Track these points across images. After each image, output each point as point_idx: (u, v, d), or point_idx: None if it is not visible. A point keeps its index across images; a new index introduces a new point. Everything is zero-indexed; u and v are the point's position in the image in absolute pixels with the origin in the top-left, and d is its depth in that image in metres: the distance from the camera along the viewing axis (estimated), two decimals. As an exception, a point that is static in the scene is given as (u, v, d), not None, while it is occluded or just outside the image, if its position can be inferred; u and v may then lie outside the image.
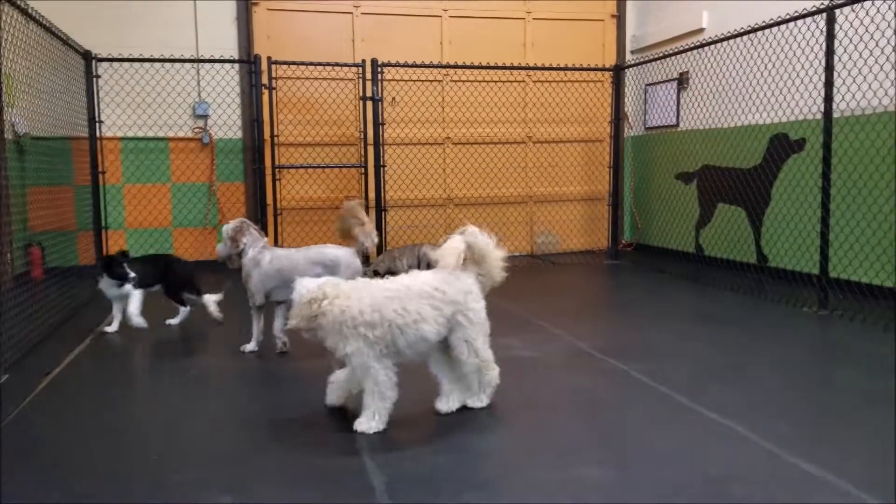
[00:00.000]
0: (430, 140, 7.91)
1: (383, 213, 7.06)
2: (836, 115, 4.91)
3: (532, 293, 5.91)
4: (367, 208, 4.54)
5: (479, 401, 3.11)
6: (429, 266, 6.72)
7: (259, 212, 6.84)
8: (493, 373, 3.09)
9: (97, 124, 6.55)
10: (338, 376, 3.11)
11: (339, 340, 2.83)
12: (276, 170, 6.93)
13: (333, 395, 3.11)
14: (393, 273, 6.76)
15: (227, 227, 4.07)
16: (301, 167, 7.34)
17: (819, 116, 5.06)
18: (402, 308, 2.82)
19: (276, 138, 6.99)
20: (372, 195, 7.09)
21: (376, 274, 6.56)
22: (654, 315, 4.96)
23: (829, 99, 4.82)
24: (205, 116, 7.22)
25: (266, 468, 2.54)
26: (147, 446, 2.77)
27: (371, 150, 7.07)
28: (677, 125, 7.54)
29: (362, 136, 7.25)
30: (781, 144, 6.04)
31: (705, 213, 7.13)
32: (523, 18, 8.04)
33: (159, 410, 3.21)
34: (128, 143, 7.07)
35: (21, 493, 2.37)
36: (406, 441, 2.78)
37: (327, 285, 2.92)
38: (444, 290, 2.90)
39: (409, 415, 3.04)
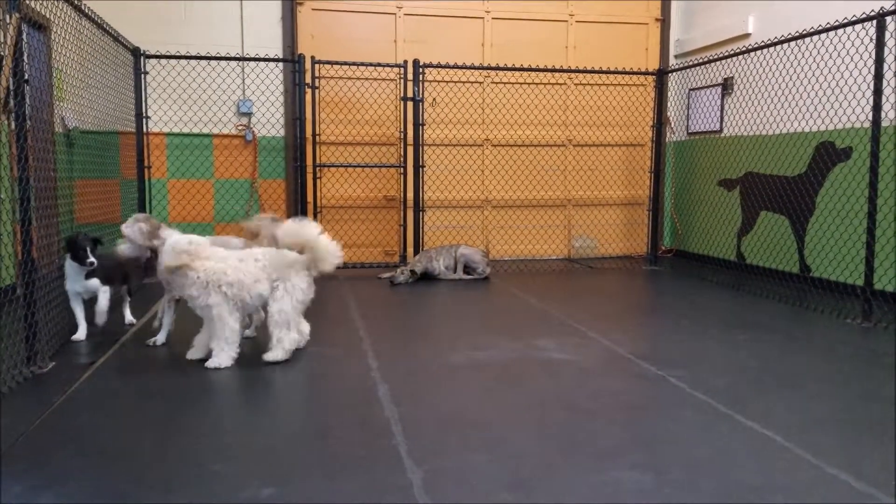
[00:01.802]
0: (470, 141, 7.93)
1: (421, 213, 7.10)
2: (884, 123, 4.81)
3: (569, 296, 5.88)
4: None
5: (273, 355, 3.79)
6: (466, 267, 6.83)
7: (299, 209, 6.94)
8: (287, 337, 3.77)
9: (144, 120, 6.72)
10: (200, 338, 3.85)
11: (202, 293, 3.62)
12: (317, 168, 7.04)
13: (198, 352, 3.85)
14: (429, 273, 6.84)
15: (142, 227, 3.85)
16: (341, 166, 7.42)
17: (867, 125, 4.95)
18: (248, 272, 3.70)
19: (317, 137, 7.08)
20: (410, 195, 7.14)
21: (413, 273, 6.61)
22: (692, 322, 4.90)
23: (877, 107, 4.72)
24: (248, 114, 7.35)
25: (305, 462, 2.58)
26: (187, 437, 2.84)
27: (411, 150, 7.12)
28: (721, 131, 7.43)
29: (402, 137, 7.30)
30: (827, 152, 5.92)
31: (748, 220, 7.02)
32: (566, 21, 8.02)
33: (200, 402, 3.28)
34: (173, 139, 7.24)
35: (62, 477, 2.45)
36: (444, 439, 2.80)
37: (195, 243, 3.61)
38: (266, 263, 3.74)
39: (448, 414, 3.08)
